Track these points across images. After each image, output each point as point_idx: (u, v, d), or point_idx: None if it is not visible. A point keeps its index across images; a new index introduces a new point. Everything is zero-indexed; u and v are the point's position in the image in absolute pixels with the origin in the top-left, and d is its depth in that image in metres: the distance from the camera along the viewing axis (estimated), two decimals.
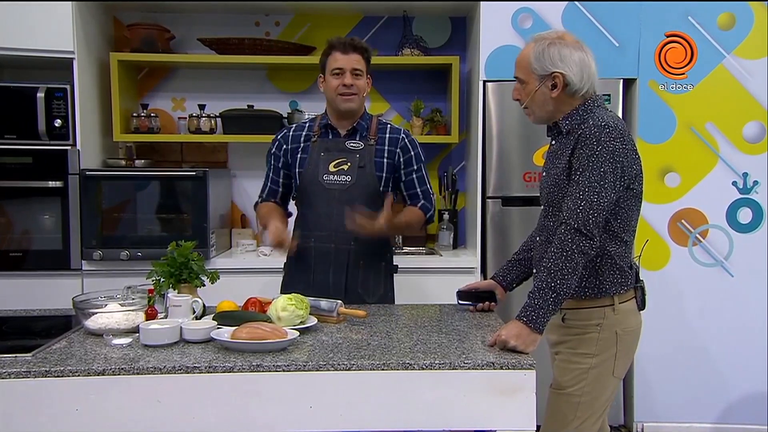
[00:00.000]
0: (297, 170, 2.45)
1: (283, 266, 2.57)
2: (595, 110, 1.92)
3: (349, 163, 2.39)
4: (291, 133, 2.51)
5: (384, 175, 2.42)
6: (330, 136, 2.45)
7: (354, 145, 2.42)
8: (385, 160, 2.42)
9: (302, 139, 2.48)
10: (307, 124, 2.53)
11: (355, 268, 2.40)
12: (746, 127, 3.24)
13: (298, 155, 2.46)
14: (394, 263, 2.57)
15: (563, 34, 1.97)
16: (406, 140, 2.47)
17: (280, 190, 2.54)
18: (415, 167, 2.48)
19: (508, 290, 2.24)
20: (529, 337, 1.76)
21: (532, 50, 1.93)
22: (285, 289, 2.45)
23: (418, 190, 2.49)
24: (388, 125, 2.51)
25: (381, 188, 2.42)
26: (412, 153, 2.47)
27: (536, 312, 1.78)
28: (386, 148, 2.44)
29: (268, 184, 2.55)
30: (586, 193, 1.82)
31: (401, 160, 2.45)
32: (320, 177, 2.39)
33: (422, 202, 2.49)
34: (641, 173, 1.93)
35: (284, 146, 2.49)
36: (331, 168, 2.39)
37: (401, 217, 2.43)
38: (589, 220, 1.80)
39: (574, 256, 1.80)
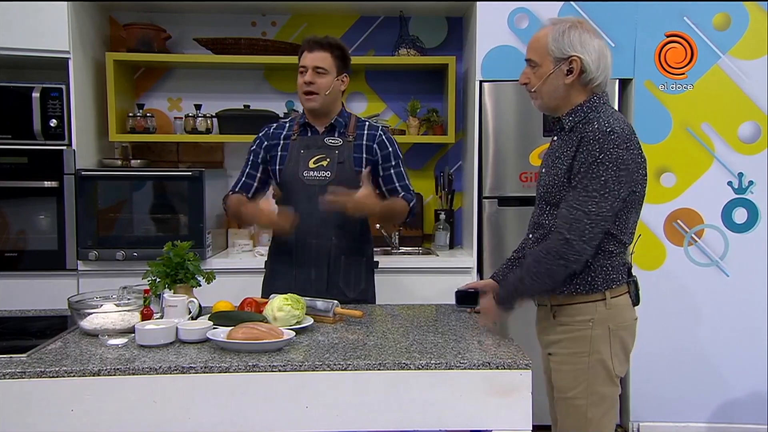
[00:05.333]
0: (277, 167, 2.46)
1: (264, 265, 2.59)
2: (600, 108, 1.87)
3: (328, 159, 2.41)
4: (271, 131, 2.53)
5: (363, 170, 2.43)
6: (309, 134, 2.47)
7: (333, 141, 2.44)
8: (364, 155, 2.45)
9: (282, 136, 2.50)
10: (287, 123, 2.55)
11: (336, 263, 2.43)
12: (741, 128, 3.25)
13: (278, 153, 2.47)
14: (375, 260, 2.60)
15: (582, 20, 1.93)
16: (383, 137, 2.49)
17: (255, 184, 2.53)
18: (393, 163, 2.49)
19: None
20: (494, 309, 1.95)
21: (550, 32, 1.87)
22: (267, 285, 2.49)
23: (397, 185, 2.49)
24: (367, 123, 2.52)
25: (360, 184, 2.43)
26: (390, 149, 2.49)
27: (504, 291, 1.93)
28: (364, 143, 2.45)
29: (243, 178, 2.54)
30: (583, 203, 1.78)
31: (379, 156, 2.46)
32: (300, 174, 2.41)
33: (402, 194, 2.48)
34: (645, 177, 1.88)
35: (264, 143, 2.51)
36: (311, 164, 2.41)
37: (387, 202, 2.43)
38: (584, 231, 1.77)
39: (555, 267, 1.81)
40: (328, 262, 2.42)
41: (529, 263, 1.86)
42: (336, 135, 2.45)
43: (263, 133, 2.54)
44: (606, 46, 1.90)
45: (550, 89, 1.90)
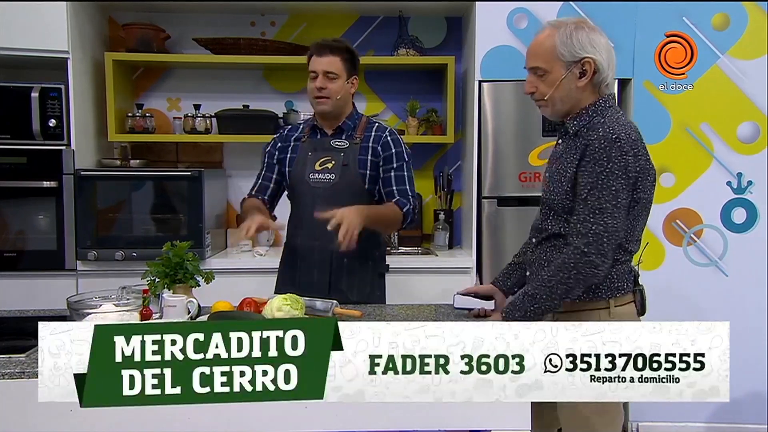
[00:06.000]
0: (287, 169, 2.49)
1: (279, 265, 2.60)
2: (605, 112, 1.81)
3: (333, 162, 2.42)
4: (285, 133, 2.57)
5: (368, 172, 2.43)
6: (318, 136, 2.48)
7: (339, 144, 2.44)
8: (369, 157, 2.43)
9: (293, 139, 2.52)
10: (301, 126, 2.57)
11: (340, 267, 2.41)
12: (740, 128, 3.25)
13: (288, 155, 2.50)
14: (386, 263, 2.57)
15: (583, 19, 1.86)
16: (388, 138, 2.46)
17: (271, 186, 2.55)
18: (395, 165, 2.44)
19: (509, 294, 2.13)
20: None
21: (555, 36, 1.80)
22: (277, 288, 2.50)
23: (394, 188, 2.43)
24: (376, 124, 2.51)
25: (366, 186, 2.43)
26: (393, 151, 2.45)
27: (514, 312, 1.81)
28: (370, 145, 2.45)
29: (260, 180, 2.57)
30: (598, 216, 1.72)
31: (382, 156, 2.45)
32: (306, 176, 2.42)
33: (397, 197, 2.42)
34: (654, 183, 1.83)
35: (278, 144, 2.54)
36: (317, 167, 2.42)
37: (376, 208, 2.39)
38: (603, 244, 1.72)
39: (571, 282, 1.75)
40: (331, 264, 2.41)
41: (544, 279, 1.79)
42: (343, 137, 2.45)
43: (278, 134, 2.58)
44: (610, 42, 1.85)
45: (562, 95, 1.82)
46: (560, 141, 1.94)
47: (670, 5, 3.23)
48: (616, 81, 3.23)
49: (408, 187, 2.44)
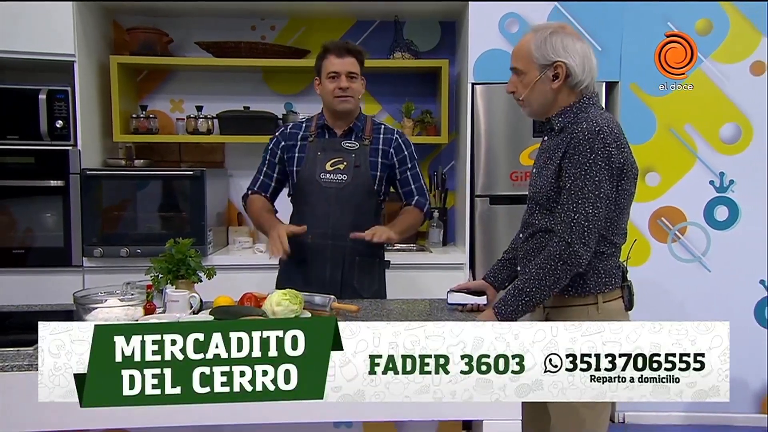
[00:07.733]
0: (294, 168, 2.50)
1: (279, 262, 2.62)
2: (590, 109, 1.85)
3: (345, 163, 2.46)
4: (288, 131, 2.57)
5: (378, 174, 2.49)
6: (326, 136, 2.51)
7: (350, 145, 2.49)
8: (380, 159, 2.50)
9: (299, 137, 2.53)
10: (303, 124, 2.58)
11: (351, 264, 2.47)
12: (723, 129, 3.34)
13: (295, 154, 2.51)
14: (387, 259, 2.65)
15: (563, 24, 1.91)
16: (399, 140, 2.55)
17: (273, 185, 2.59)
18: (409, 165, 2.55)
19: (500, 290, 2.18)
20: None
21: (532, 39, 1.87)
22: (281, 285, 2.49)
23: (413, 186, 2.56)
24: (382, 126, 2.58)
25: (375, 187, 2.49)
26: (406, 152, 2.55)
27: (506, 308, 1.84)
28: (380, 147, 2.51)
29: (261, 177, 2.59)
30: (580, 206, 1.76)
31: (395, 159, 2.53)
32: (317, 176, 2.46)
33: (417, 197, 2.55)
34: (636, 177, 1.87)
35: (282, 143, 2.55)
36: (328, 167, 2.46)
37: (402, 220, 2.49)
38: (584, 233, 1.76)
39: (558, 272, 1.78)
40: (343, 263, 2.46)
41: (532, 273, 1.82)
42: (353, 139, 2.50)
43: (280, 132, 2.58)
44: (589, 48, 1.89)
45: (537, 96, 1.89)
46: (546, 138, 1.99)
47: (655, 11, 3.30)
48: (604, 84, 3.33)
49: (423, 183, 2.59)
